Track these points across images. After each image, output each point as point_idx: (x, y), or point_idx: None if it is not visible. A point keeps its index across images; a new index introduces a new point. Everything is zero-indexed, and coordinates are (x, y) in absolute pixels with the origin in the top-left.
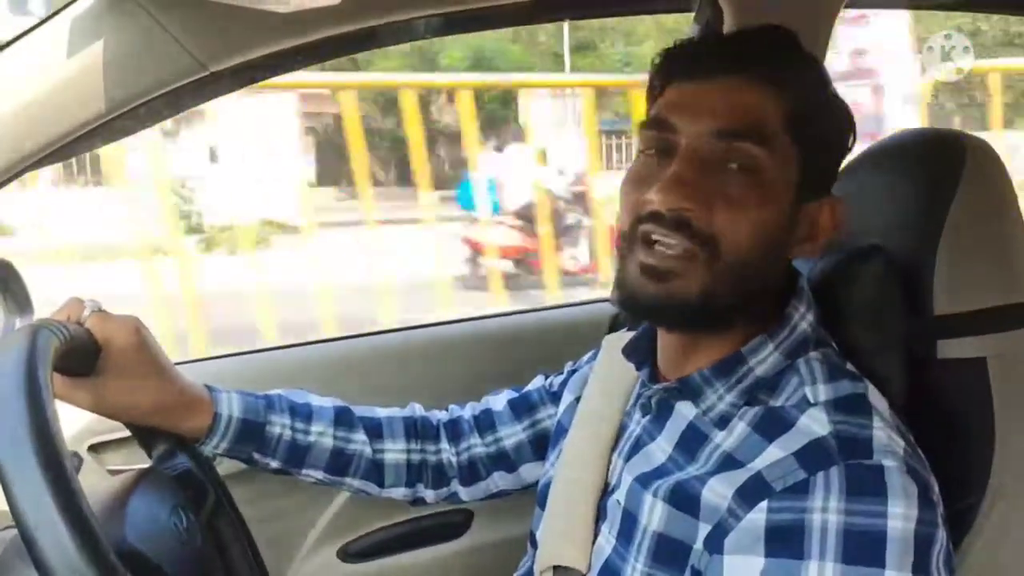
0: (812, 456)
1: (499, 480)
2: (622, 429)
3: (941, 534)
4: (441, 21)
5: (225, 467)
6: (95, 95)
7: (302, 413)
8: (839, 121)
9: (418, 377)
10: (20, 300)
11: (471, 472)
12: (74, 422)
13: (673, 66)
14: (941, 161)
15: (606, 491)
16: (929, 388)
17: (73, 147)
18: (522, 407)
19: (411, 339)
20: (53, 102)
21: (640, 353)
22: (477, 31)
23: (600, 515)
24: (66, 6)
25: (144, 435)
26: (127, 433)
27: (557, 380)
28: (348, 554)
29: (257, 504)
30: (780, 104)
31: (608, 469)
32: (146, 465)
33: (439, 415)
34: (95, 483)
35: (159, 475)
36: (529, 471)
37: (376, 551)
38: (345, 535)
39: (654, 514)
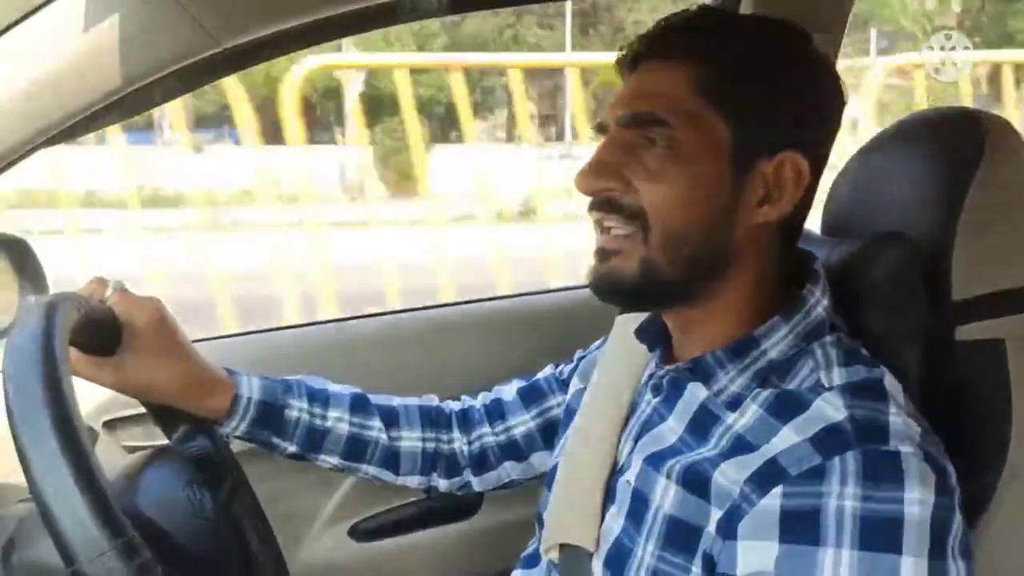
0: (828, 441)
1: (510, 469)
2: (632, 409)
3: (958, 520)
4: None
5: (237, 445)
6: (109, 71)
7: (320, 398)
8: (786, 79)
9: (429, 358)
10: (35, 278)
11: (482, 461)
12: (90, 398)
13: (619, 69)
14: (960, 141)
15: (614, 471)
16: (946, 370)
17: (87, 124)
18: (531, 396)
19: (421, 319)
20: (66, 78)
21: (653, 334)
22: (492, 8)
23: (608, 496)
24: None
25: (163, 417)
26: (142, 409)
27: (567, 368)
28: (359, 533)
29: (269, 483)
30: (691, 74)
31: (617, 449)
32: (163, 442)
33: (452, 405)
34: (110, 459)
35: (175, 453)
36: (539, 460)
37: (387, 530)
38: (356, 514)
39: (667, 496)
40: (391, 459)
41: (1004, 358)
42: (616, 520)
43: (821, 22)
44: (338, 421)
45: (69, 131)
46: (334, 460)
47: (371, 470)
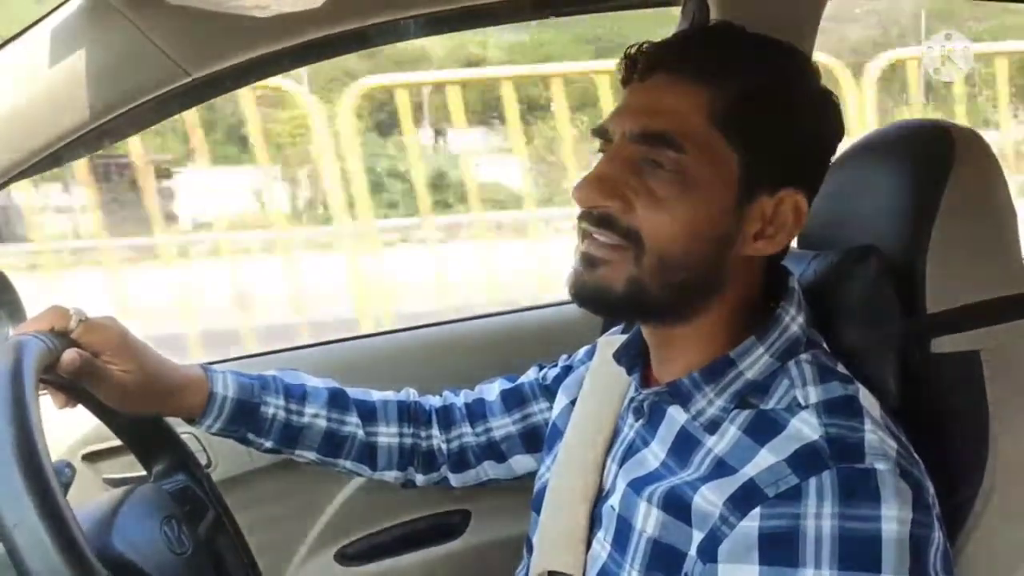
0: (804, 461)
1: (489, 469)
2: (616, 433)
3: (937, 535)
4: (426, 21)
5: (220, 472)
6: (78, 104)
7: (296, 394)
8: (798, 113)
9: (418, 378)
10: (13, 310)
11: (461, 460)
12: (68, 432)
13: (625, 72)
14: (930, 154)
15: (601, 496)
16: (923, 384)
17: (57, 157)
18: (514, 399)
19: (411, 340)
20: (36, 112)
21: (631, 356)
22: (464, 30)
23: (595, 521)
24: (46, 15)
25: (143, 453)
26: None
27: (551, 373)
28: (346, 557)
29: (254, 509)
30: (708, 101)
31: (603, 474)
32: (142, 473)
33: (433, 400)
34: (88, 494)
35: (153, 488)
36: (519, 463)
37: (374, 554)
38: (342, 538)
39: (648, 520)
40: (368, 454)
41: (979, 370)
42: (603, 546)
43: (793, 28)
44: (315, 417)
45: (38, 165)
46: (311, 456)
47: (348, 465)
